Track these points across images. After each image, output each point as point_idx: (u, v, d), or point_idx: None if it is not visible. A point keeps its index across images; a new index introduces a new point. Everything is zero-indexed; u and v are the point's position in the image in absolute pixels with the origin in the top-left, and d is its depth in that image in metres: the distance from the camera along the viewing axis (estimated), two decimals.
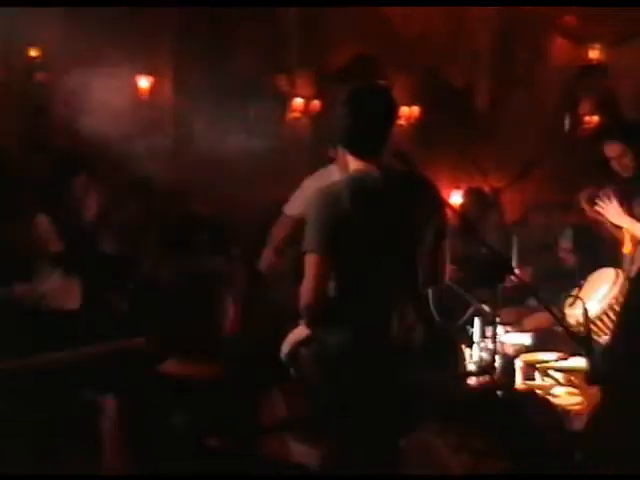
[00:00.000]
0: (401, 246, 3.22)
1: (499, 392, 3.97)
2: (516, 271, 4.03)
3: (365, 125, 3.22)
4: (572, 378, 4.48)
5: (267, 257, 5.69)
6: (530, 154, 9.05)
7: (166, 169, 6.98)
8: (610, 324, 4.50)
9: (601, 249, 5.13)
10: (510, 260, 4.37)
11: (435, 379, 3.44)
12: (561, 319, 3.96)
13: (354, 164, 3.26)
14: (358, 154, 3.25)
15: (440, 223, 3.29)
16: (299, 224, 4.98)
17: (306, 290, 3.17)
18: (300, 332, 3.38)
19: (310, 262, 3.17)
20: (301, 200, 5.20)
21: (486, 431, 3.32)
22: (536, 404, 3.88)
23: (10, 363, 4.02)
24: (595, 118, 9.59)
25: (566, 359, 4.59)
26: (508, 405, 3.60)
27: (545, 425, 3.51)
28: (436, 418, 3.45)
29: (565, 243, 5.69)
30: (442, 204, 3.34)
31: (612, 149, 4.74)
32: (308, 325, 3.30)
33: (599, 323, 4.57)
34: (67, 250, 4.98)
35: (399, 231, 3.21)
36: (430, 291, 3.55)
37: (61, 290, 4.81)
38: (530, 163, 9.12)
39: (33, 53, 7.92)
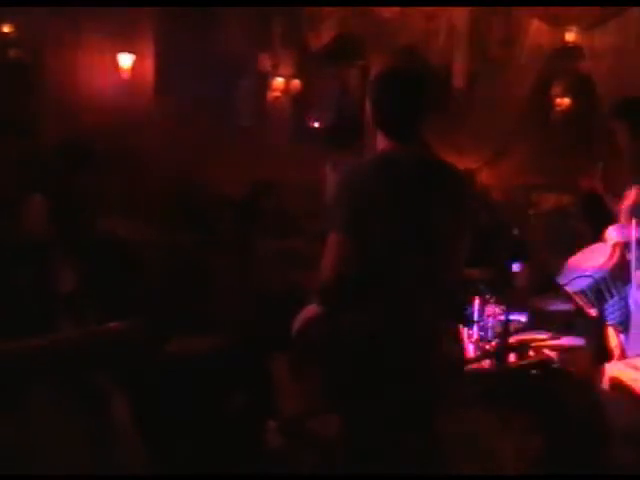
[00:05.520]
0: (423, 230, 3.20)
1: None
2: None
3: (392, 109, 3.22)
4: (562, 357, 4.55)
5: None
6: (505, 136, 9.14)
7: (149, 147, 6.93)
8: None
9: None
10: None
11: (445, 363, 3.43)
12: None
13: (383, 144, 3.25)
14: (390, 136, 3.24)
15: (464, 208, 3.28)
16: None
17: (325, 268, 3.14)
18: (312, 309, 3.37)
19: (332, 240, 3.15)
20: None
21: (529, 411, 3.33)
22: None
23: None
24: (567, 100, 9.70)
25: (558, 338, 4.65)
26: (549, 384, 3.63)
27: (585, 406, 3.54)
28: (477, 401, 3.45)
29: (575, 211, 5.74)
30: (467, 190, 3.34)
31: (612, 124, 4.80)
32: (322, 303, 3.28)
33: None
34: (62, 232, 4.90)
35: (422, 215, 3.20)
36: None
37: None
38: (504, 145, 9.24)
39: (6, 29, 7.73)
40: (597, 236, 4.79)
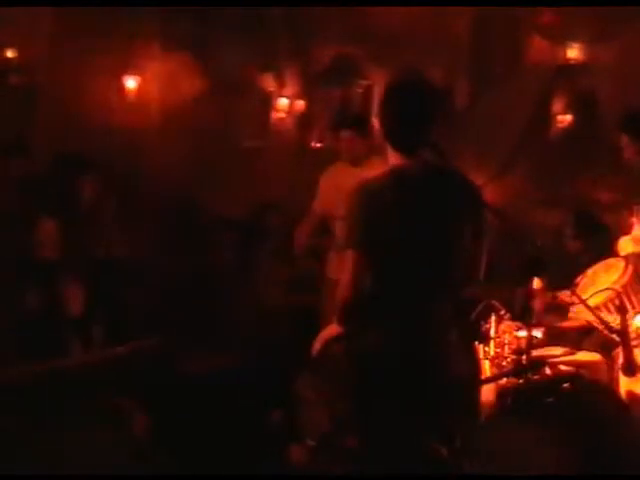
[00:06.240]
0: (438, 243, 3.21)
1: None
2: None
3: (401, 122, 3.21)
4: (581, 372, 4.52)
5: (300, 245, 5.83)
6: (508, 152, 9.14)
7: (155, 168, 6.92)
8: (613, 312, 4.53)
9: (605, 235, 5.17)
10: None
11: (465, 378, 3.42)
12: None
13: (393, 159, 3.26)
14: (398, 149, 3.24)
15: (477, 221, 3.28)
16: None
17: (344, 286, 3.16)
18: (332, 329, 3.37)
19: (349, 258, 3.16)
20: (319, 197, 5.66)
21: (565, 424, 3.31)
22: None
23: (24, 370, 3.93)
24: (568, 117, 9.70)
25: (573, 354, 4.62)
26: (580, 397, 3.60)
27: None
28: (516, 412, 3.42)
29: (569, 230, 5.74)
30: (480, 202, 3.34)
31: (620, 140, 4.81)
32: (341, 321, 3.29)
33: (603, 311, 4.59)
34: (71, 254, 4.90)
35: (436, 228, 3.20)
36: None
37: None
38: (507, 161, 9.23)
39: (9, 54, 7.68)
40: (595, 251, 4.84)
